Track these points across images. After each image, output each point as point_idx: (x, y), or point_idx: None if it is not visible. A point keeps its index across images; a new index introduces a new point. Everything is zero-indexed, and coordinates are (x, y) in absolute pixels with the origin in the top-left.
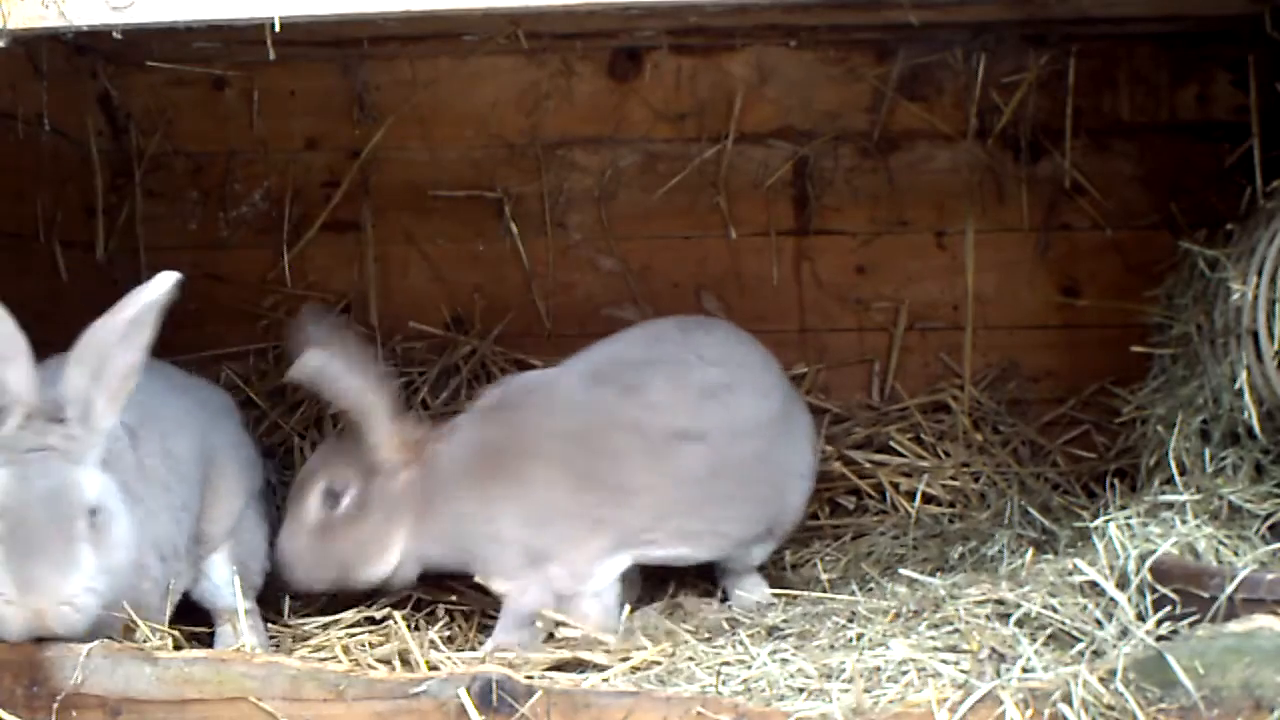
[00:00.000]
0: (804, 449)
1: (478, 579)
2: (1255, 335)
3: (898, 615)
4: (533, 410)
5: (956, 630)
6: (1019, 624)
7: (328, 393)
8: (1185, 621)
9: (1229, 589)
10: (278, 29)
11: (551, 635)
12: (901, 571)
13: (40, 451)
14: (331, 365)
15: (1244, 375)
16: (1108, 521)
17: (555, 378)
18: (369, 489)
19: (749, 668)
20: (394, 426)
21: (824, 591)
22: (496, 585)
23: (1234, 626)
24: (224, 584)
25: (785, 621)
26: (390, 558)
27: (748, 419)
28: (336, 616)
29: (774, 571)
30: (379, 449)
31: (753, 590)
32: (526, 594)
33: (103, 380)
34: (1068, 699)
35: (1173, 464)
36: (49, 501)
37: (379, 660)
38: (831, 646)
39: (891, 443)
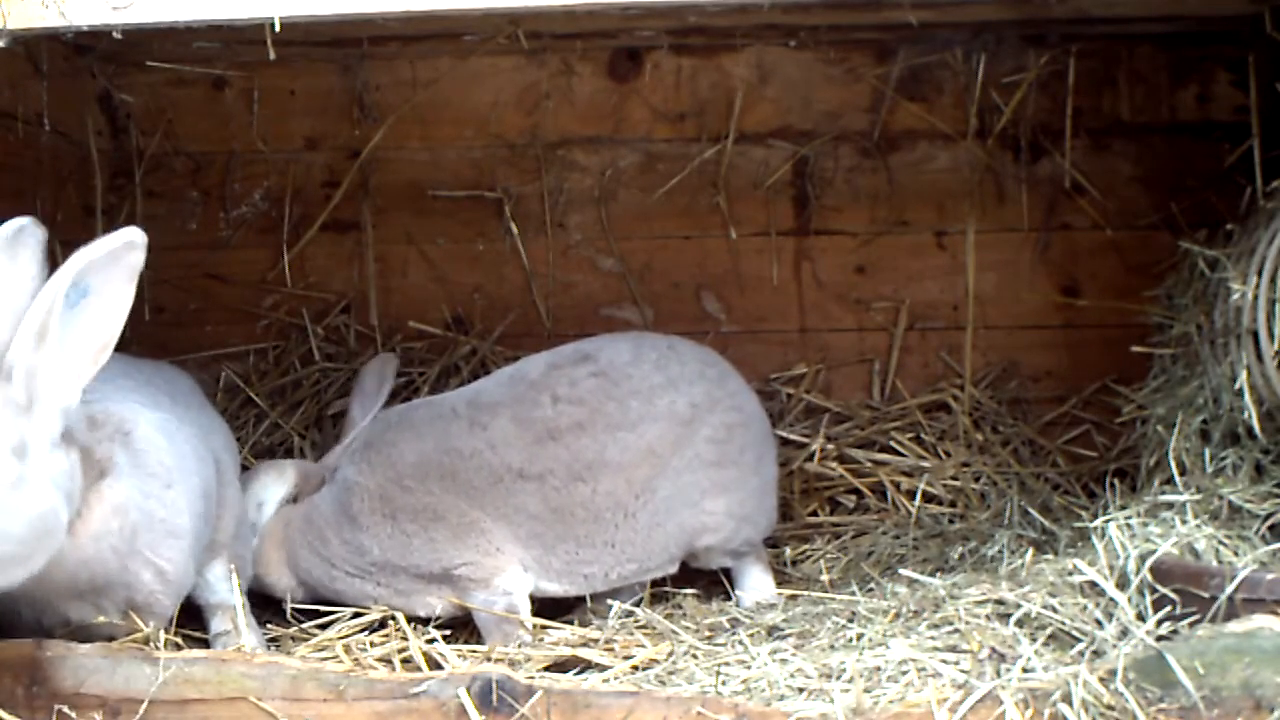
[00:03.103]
0: (708, 473)
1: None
2: (1255, 335)
3: (898, 615)
4: (390, 448)
5: (956, 630)
6: (1019, 624)
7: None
8: (1185, 621)
9: (1229, 589)
10: (278, 29)
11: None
12: (901, 571)
13: None
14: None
15: (1244, 375)
16: (1108, 521)
17: (414, 417)
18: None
19: (749, 668)
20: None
21: (824, 591)
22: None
23: (1234, 626)
24: (217, 580)
25: (785, 621)
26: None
27: (597, 460)
28: (335, 616)
29: (774, 569)
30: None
31: (757, 589)
32: (474, 602)
33: (48, 346)
34: (1068, 699)
35: (1173, 464)
36: None
37: (379, 660)
38: (831, 646)
39: (892, 442)
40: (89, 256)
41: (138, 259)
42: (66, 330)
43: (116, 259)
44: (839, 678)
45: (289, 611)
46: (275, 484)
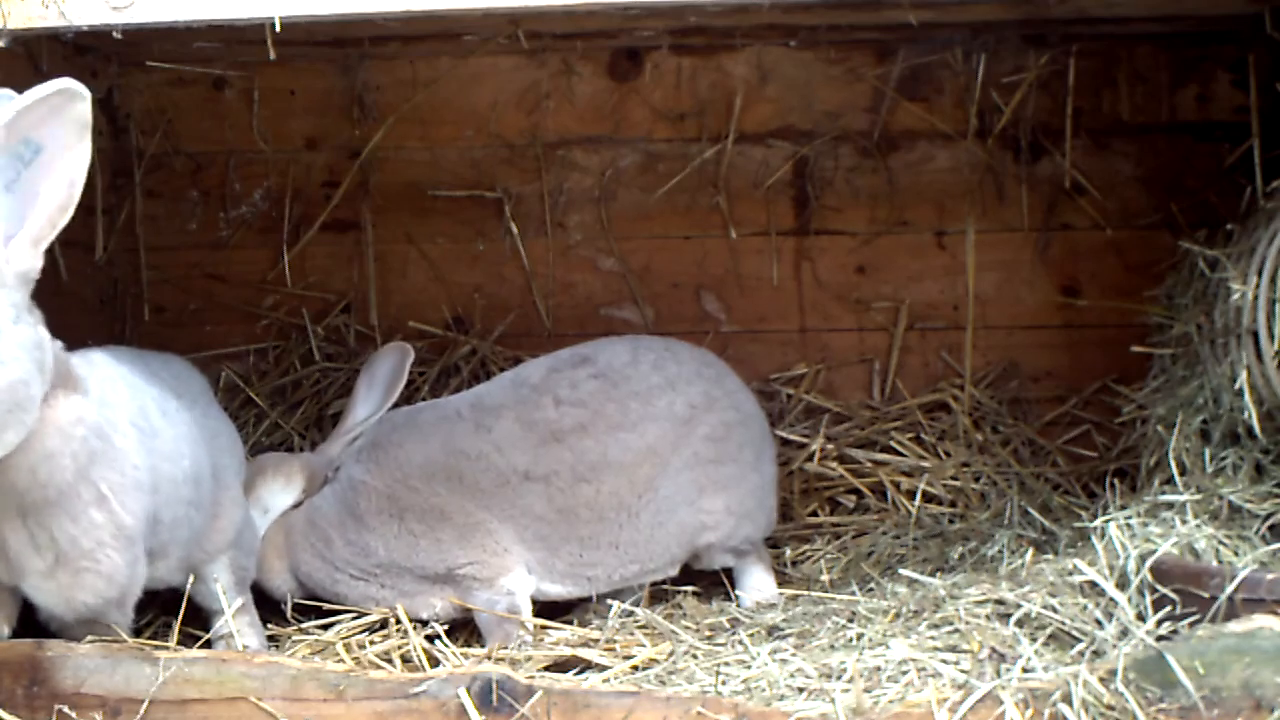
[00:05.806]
0: (706, 470)
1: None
2: (1255, 335)
3: (898, 615)
4: (397, 448)
5: (956, 630)
6: (1019, 624)
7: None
8: (1185, 621)
9: (1229, 589)
10: (278, 29)
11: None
12: (901, 571)
13: None
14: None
15: (1244, 375)
16: (1108, 521)
17: (420, 419)
18: None
19: (749, 668)
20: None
21: (824, 591)
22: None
23: (1234, 626)
24: (219, 583)
25: (785, 621)
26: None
27: (600, 460)
28: (337, 617)
29: (774, 570)
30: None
31: (758, 589)
32: (477, 603)
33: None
34: (1068, 699)
35: (1173, 464)
36: None
37: (379, 656)
38: (831, 646)
39: (892, 442)
40: (20, 105)
41: (82, 110)
42: (21, 190)
43: (57, 111)
44: (839, 678)
45: (289, 612)
46: (283, 492)
